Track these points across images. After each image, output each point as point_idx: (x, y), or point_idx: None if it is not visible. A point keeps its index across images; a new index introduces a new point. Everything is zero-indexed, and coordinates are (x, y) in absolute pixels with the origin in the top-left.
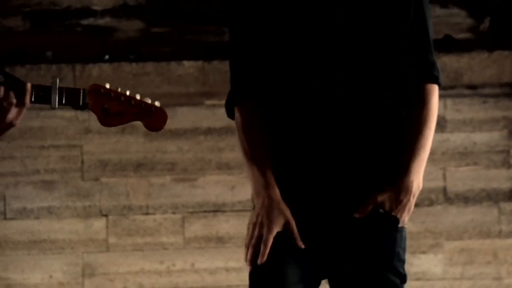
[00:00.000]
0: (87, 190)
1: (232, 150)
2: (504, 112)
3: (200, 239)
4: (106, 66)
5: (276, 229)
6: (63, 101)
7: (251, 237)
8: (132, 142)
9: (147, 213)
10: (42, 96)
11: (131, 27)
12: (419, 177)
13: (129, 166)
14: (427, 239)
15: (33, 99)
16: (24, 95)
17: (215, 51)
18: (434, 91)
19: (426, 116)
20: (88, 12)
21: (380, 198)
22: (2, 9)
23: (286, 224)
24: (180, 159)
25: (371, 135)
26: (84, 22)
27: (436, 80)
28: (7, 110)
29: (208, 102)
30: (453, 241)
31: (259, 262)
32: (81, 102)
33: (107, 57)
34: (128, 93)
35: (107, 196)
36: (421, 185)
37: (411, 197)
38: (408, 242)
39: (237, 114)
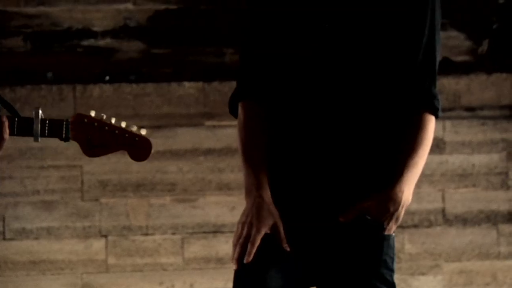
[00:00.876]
0: (86, 211)
1: (232, 171)
2: (502, 134)
3: (199, 260)
4: (106, 87)
5: (264, 229)
6: (46, 133)
7: (239, 236)
8: (132, 162)
9: (146, 234)
10: (25, 128)
11: (132, 48)
12: (409, 189)
13: (129, 187)
14: (426, 261)
15: (15, 132)
16: (1, 129)
17: (215, 72)
18: (432, 120)
19: (422, 138)
20: (88, 33)
21: (366, 205)
22: (3, 29)
23: (274, 226)
24: (180, 180)
25: (365, 144)
26: (85, 43)
27: (435, 112)
28: None
29: (208, 123)
30: (452, 263)
31: (245, 261)
32: (64, 134)
33: (107, 77)
34: (113, 121)
35: (107, 217)
36: (410, 198)
37: (399, 207)
38: (407, 264)
39: (240, 111)
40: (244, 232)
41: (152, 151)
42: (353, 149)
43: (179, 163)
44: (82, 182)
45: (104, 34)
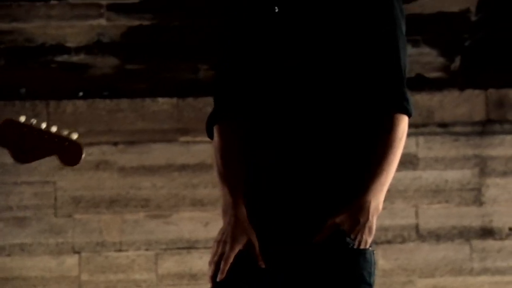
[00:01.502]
0: (60, 227)
1: (206, 186)
2: (475, 150)
3: (173, 276)
4: (80, 103)
5: (238, 247)
6: None
7: (214, 255)
8: (105, 178)
9: (120, 250)
10: None
11: (106, 63)
12: (377, 198)
13: (102, 203)
14: (399, 276)
15: None
16: None
17: (189, 88)
18: (403, 120)
19: (392, 142)
20: (62, 49)
21: (338, 220)
22: None
23: (249, 244)
24: (154, 196)
25: (336, 153)
26: (59, 58)
27: (405, 111)
28: None
29: (182, 138)
30: (426, 279)
31: (218, 279)
32: None
33: (81, 93)
34: (43, 126)
35: (80, 233)
36: (380, 207)
37: (370, 217)
38: (381, 280)
39: (215, 134)
40: (219, 250)
41: (83, 156)
42: (324, 159)
43: (153, 179)
44: (55, 198)
45: (78, 50)
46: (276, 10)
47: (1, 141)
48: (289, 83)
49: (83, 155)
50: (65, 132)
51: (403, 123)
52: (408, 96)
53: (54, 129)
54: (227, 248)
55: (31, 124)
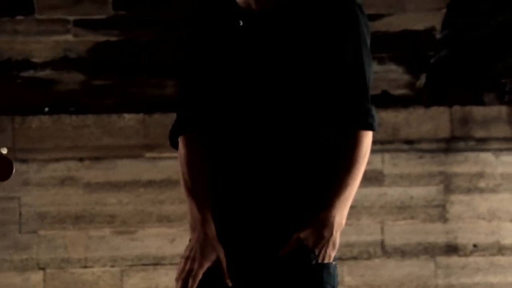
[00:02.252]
0: (24, 243)
1: (173, 203)
2: (440, 167)
3: None
4: (46, 118)
5: (207, 264)
6: None
7: (182, 271)
8: (71, 194)
9: (85, 266)
10: None
11: (72, 79)
12: (341, 213)
13: (68, 219)
14: None
15: None
16: None
17: (156, 104)
18: (367, 136)
19: (356, 158)
20: (28, 64)
21: (302, 235)
22: None
23: (217, 261)
24: (120, 212)
25: (299, 167)
26: (25, 74)
27: (369, 127)
28: None
29: (148, 154)
30: None
31: None
32: None
33: (47, 109)
34: None
35: (45, 249)
36: (343, 223)
37: (334, 232)
38: None
39: (180, 145)
40: (187, 267)
41: (13, 172)
42: (289, 173)
43: (118, 195)
44: (20, 214)
45: (44, 65)
46: (241, 24)
47: None
48: (253, 95)
49: (14, 170)
50: None
51: (367, 139)
52: (373, 112)
53: None
54: (196, 265)
55: None
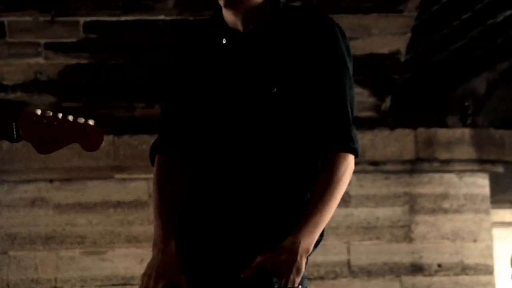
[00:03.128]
0: None
1: (142, 223)
2: (405, 188)
3: None
4: None
5: (162, 282)
6: None
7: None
8: (41, 215)
9: (55, 287)
10: None
11: (43, 101)
12: (309, 239)
13: (38, 240)
14: None
15: None
16: None
17: (125, 126)
18: (344, 159)
19: (331, 182)
20: None
21: (264, 259)
22: None
23: (174, 279)
24: (90, 232)
25: (275, 193)
26: None
27: (348, 149)
28: None
29: (118, 176)
30: None
31: None
32: (15, 135)
33: None
34: (60, 116)
35: (15, 270)
36: (310, 248)
37: (297, 257)
38: None
39: (155, 163)
40: (144, 284)
41: (103, 143)
42: (264, 195)
43: (88, 216)
44: None
45: (15, 87)
46: (224, 42)
47: (24, 135)
48: (235, 114)
49: (103, 140)
50: (82, 120)
51: (345, 162)
52: (354, 134)
53: (70, 118)
54: (151, 282)
55: (49, 115)
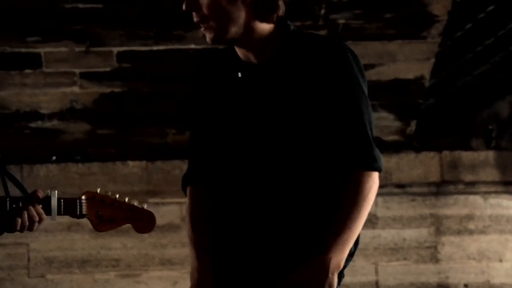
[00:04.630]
0: (33, 287)
1: (175, 246)
2: (431, 210)
3: None
4: (53, 167)
5: None
6: (62, 211)
7: None
8: (77, 239)
9: None
10: (43, 208)
11: (78, 129)
12: (339, 256)
13: (74, 263)
14: None
15: None
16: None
17: (158, 152)
18: (369, 177)
19: (357, 199)
20: (36, 115)
21: (297, 276)
22: None
23: None
24: (124, 256)
25: (303, 215)
26: (32, 124)
27: (370, 167)
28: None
29: (151, 200)
30: None
31: None
32: (78, 212)
33: (54, 158)
34: (117, 197)
35: None
36: (341, 264)
37: (330, 274)
38: None
39: (187, 195)
40: None
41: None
42: (292, 217)
43: (123, 240)
44: (28, 259)
45: (51, 116)
46: (239, 75)
47: (86, 212)
48: (257, 144)
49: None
50: (136, 202)
51: (370, 180)
52: (375, 152)
53: (126, 200)
54: None
55: (109, 195)
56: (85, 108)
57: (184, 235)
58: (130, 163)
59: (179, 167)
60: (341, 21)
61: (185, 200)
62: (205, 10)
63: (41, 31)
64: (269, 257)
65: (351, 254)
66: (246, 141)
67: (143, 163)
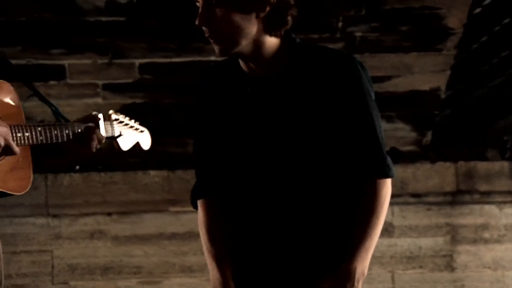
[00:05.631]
0: None
1: (195, 254)
2: (446, 219)
3: None
4: (76, 176)
5: None
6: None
7: None
8: (100, 247)
9: None
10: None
11: None
12: (363, 263)
13: (96, 270)
14: None
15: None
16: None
17: (178, 161)
18: (384, 184)
19: (375, 207)
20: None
21: (325, 286)
22: None
23: None
24: (146, 263)
25: (319, 224)
26: None
27: (384, 175)
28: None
29: (172, 208)
30: None
31: None
32: (113, 134)
33: (77, 167)
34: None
35: None
36: (365, 272)
37: (355, 282)
38: None
39: (199, 209)
40: None
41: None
42: (309, 227)
43: (144, 247)
44: (52, 266)
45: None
46: (249, 90)
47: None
48: (268, 158)
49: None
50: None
51: (385, 187)
52: (388, 160)
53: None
54: None
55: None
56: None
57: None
58: (151, 172)
59: None
60: (358, 34)
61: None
62: (217, 24)
63: (65, 43)
64: (292, 267)
65: None
66: (258, 155)
67: (164, 172)
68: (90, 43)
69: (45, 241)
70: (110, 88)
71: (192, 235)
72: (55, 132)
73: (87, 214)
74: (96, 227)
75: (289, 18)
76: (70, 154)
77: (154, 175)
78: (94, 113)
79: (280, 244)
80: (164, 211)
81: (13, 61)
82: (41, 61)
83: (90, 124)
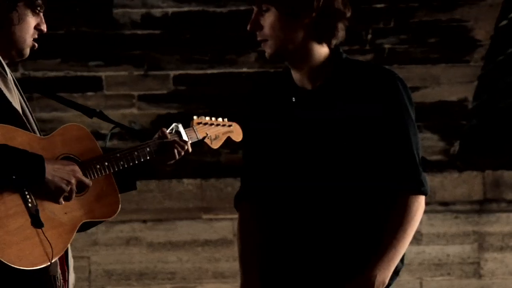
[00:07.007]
0: None
1: (227, 260)
2: (474, 227)
3: None
4: None
5: None
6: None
7: None
8: (135, 253)
9: None
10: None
11: None
12: (384, 273)
13: (132, 276)
14: None
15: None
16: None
17: (212, 170)
18: (416, 200)
19: (404, 220)
20: (97, 135)
21: None
22: None
23: None
24: (180, 269)
25: (349, 234)
26: None
27: (418, 191)
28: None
29: (205, 216)
30: None
31: None
32: (197, 138)
33: None
34: (211, 118)
35: None
36: (386, 281)
37: None
38: None
39: (239, 211)
40: None
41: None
42: (339, 237)
43: (178, 254)
44: (89, 272)
45: (111, 136)
46: (294, 100)
47: (201, 135)
48: (307, 168)
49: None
50: (223, 119)
51: (416, 202)
52: (422, 177)
53: (214, 118)
54: None
55: (205, 117)
56: (143, 128)
57: (236, 249)
58: (185, 180)
59: (232, 184)
60: (387, 46)
61: (237, 216)
62: (266, 30)
63: (102, 56)
64: (317, 275)
65: (396, 272)
66: (297, 164)
67: (198, 180)
68: (126, 55)
69: (82, 247)
70: (146, 99)
71: (225, 242)
72: (136, 153)
73: (123, 222)
74: (132, 234)
75: (338, 28)
76: (156, 166)
77: (188, 184)
78: (174, 124)
79: (309, 252)
80: (198, 219)
81: (52, 73)
82: (79, 73)
83: (167, 140)
